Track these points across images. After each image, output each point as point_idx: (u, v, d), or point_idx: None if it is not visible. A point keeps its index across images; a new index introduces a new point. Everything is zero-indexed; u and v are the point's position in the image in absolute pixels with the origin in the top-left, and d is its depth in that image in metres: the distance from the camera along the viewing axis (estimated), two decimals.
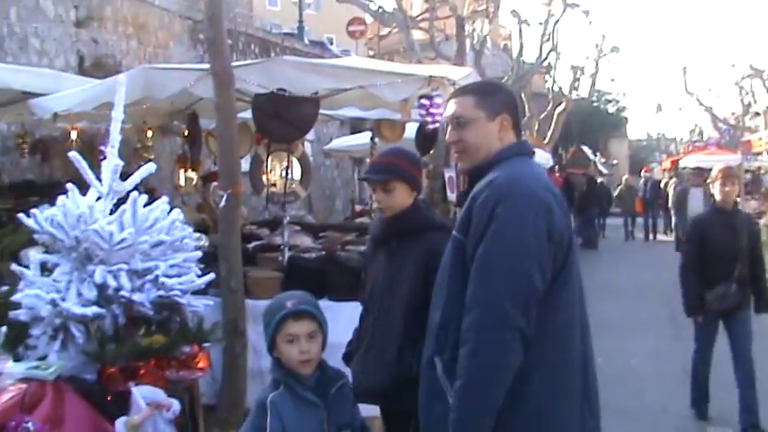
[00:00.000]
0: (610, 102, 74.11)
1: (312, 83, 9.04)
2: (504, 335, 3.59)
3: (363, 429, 4.47)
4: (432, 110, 8.91)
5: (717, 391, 10.13)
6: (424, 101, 8.93)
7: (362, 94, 9.92)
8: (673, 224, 26.97)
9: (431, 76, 8.89)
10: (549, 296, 3.71)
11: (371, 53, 32.82)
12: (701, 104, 53.50)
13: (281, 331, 4.24)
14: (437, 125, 9.36)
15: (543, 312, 3.69)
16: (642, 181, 35.76)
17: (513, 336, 3.59)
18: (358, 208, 23.07)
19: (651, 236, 33.88)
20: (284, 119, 9.27)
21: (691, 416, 9.37)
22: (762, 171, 34.38)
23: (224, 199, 8.36)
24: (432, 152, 16.53)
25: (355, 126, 21.37)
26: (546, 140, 34.15)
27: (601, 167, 54.40)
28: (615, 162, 69.89)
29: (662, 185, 34.97)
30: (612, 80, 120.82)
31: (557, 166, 38.79)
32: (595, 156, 56.41)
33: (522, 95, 33.31)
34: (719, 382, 10.45)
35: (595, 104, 65.41)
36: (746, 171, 31.30)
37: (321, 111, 9.93)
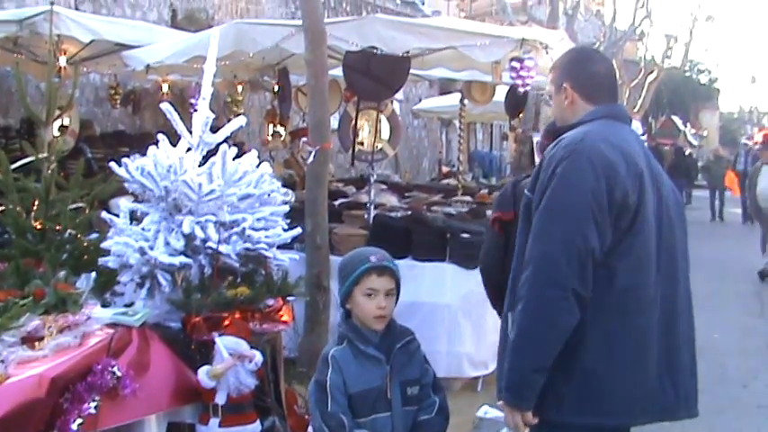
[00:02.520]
0: (702, 72, 72.87)
1: (404, 42, 9.03)
2: (555, 293, 3.60)
3: (436, 387, 4.45)
4: (522, 73, 8.85)
5: None
6: (514, 63, 8.87)
7: (453, 54, 9.91)
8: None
9: (523, 39, 8.83)
10: (610, 259, 3.69)
11: (463, 14, 32.59)
12: None
13: (362, 284, 4.23)
14: (527, 88, 9.29)
15: (603, 274, 3.68)
16: (745, 151, 32.20)
17: (565, 295, 3.59)
18: (445, 169, 23.06)
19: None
20: (375, 77, 9.29)
21: None
22: None
23: (312, 155, 8.40)
24: (520, 116, 16.46)
25: (444, 87, 21.33)
26: (636, 109, 33.68)
27: (690, 138, 53.55)
28: (705, 134, 68.77)
29: None
30: (706, 50, 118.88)
31: (646, 136, 38.22)
32: (685, 126, 55.52)
33: (614, 62, 32.90)
34: None
35: (687, 74, 64.27)
36: None
37: (411, 70, 9.92)
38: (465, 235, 8.75)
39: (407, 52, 9.37)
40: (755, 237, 22.15)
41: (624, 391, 3.78)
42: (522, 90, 9.39)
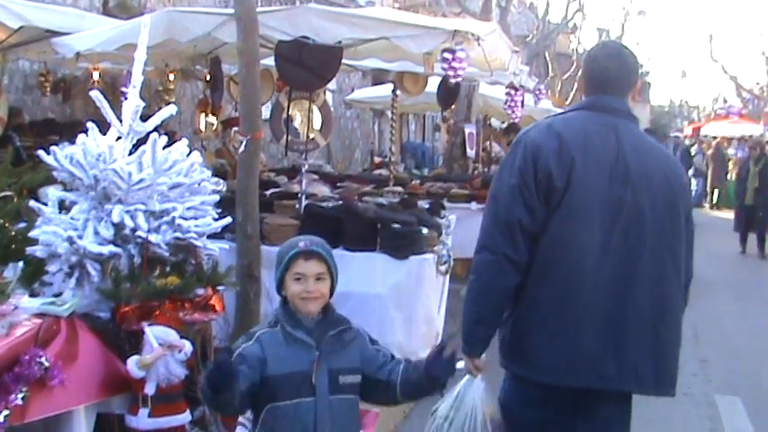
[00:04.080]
0: None
1: (336, 32, 9.02)
2: (489, 257, 4.31)
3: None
4: (454, 64, 8.88)
5: (724, 359, 10.26)
6: (446, 54, 8.90)
7: (386, 45, 9.89)
8: None
9: (455, 30, 8.85)
10: (538, 233, 4.29)
11: (396, 5, 32.59)
12: (726, 73, 52.96)
13: (291, 269, 4.29)
14: (459, 79, 9.32)
15: (531, 247, 4.30)
16: (674, 144, 31.74)
17: (497, 258, 4.28)
18: (377, 160, 23.09)
19: None
20: (307, 67, 9.26)
21: (698, 382, 9.42)
22: None
23: (243, 144, 8.36)
24: (453, 107, 16.53)
25: (377, 77, 21.32)
26: (568, 101, 33.96)
27: None
28: None
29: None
30: (638, 44, 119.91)
31: None
32: None
33: (546, 55, 33.25)
34: (726, 351, 10.61)
35: None
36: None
37: (344, 61, 9.91)
38: (396, 225, 8.78)
39: (340, 42, 9.36)
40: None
41: (545, 353, 4.35)
42: (453, 81, 9.43)
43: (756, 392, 9.10)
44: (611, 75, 4.56)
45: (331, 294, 4.42)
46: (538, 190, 4.24)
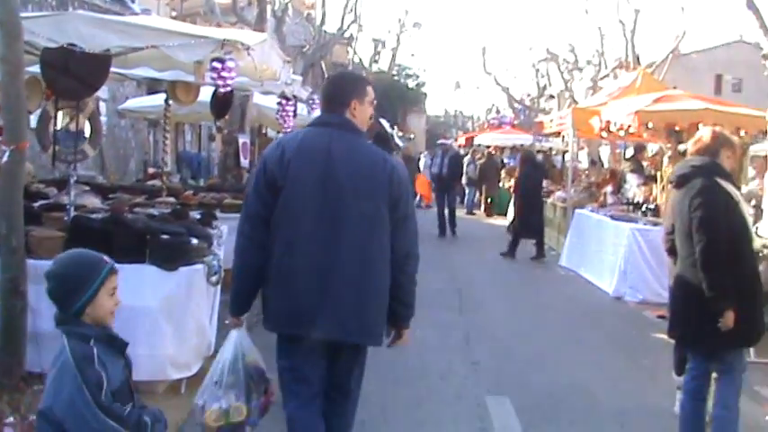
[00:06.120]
0: (410, 77, 75.31)
1: (104, 40, 8.86)
2: (239, 240, 5.69)
3: None
4: (223, 73, 8.88)
5: (494, 361, 10.58)
6: (216, 64, 8.89)
7: (156, 54, 9.79)
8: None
9: (225, 40, 8.86)
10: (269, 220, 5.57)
11: (173, 14, 32.25)
12: (499, 84, 54.39)
13: (107, 285, 4.47)
14: (228, 89, 9.32)
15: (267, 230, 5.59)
16: (442, 152, 29.44)
17: (244, 242, 5.65)
18: (151, 170, 22.81)
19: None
20: (74, 75, 9.07)
21: (469, 384, 9.69)
22: (553, 152, 35.31)
23: (7, 154, 8.13)
24: (227, 117, 16.49)
25: (152, 87, 21.05)
26: None
27: (398, 141, 55.11)
28: (413, 136, 70.88)
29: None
30: (413, 55, 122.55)
31: None
32: (393, 129, 57.10)
33: (323, 64, 33.54)
34: (496, 354, 10.95)
35: (395, 78, 66.25)
36: (538, 151, 31.57)
37: (115, 69, 9.77)
38: (165, 236, 8.68)
39: (108, 50, 9.20)
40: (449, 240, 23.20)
41: (275, 308, 5.63)
42: (223, 91, 9.43)
43: (524, 391, 9.39)
44: (328, 95, 5.91)
45: None
46: (268, 189, 5.54)
